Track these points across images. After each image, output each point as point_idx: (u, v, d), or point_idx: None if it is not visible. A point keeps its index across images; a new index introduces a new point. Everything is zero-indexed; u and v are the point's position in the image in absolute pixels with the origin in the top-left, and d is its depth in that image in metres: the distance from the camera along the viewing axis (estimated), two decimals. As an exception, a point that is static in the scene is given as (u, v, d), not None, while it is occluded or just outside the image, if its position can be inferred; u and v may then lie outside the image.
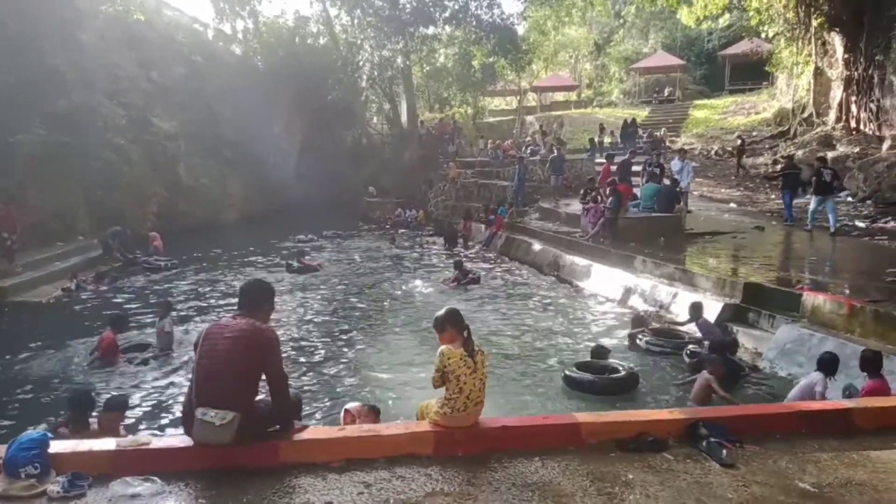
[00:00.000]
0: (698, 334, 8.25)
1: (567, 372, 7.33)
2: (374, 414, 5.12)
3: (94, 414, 5.42)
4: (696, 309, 8.37)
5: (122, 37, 21.01)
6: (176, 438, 3.92)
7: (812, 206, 13.80)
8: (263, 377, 3.67)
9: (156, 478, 3.42)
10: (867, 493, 3.38)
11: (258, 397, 3.74)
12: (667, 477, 3.53)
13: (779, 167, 17.83)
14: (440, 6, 30.65)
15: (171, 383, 7.68)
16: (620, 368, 7.36)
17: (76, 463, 3.38)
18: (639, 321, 9.30)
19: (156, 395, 7.38)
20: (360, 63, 30.95)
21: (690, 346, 8.05)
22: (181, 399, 6.88)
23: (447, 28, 32.87)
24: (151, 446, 3.64)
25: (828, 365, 5.82)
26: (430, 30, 32.09)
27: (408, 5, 30.14)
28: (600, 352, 7.99)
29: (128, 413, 5.94)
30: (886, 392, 5.47)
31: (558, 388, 7.34)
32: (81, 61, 17.89)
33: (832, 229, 13.34)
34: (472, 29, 31.29)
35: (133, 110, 20.54)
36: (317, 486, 3.37)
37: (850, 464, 3.74)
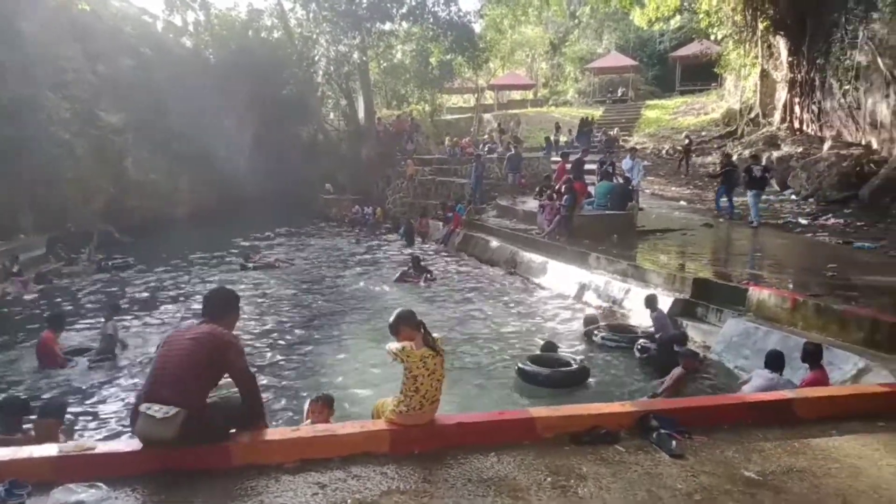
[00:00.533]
0: (651, 329, 8.44)
1: (521, 365, 7.43)
2: (326, 404, 5.09)
3: (29, 420, 5.18)
4: (650, 301, 8.57)
5: (66, 27, 20.23)
6: (122, 442, 3.81)
7: (750, 201, 14.58)
8: (226, 380, 3.64)
9: (101, 484, 3.30)
10: (807, 479, 3.52)
11: (211, 398, 3.67)
12: (619, 469, 3.60)
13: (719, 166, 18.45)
14: (397, 2, 30.48)
15: (113, 387, 7.37)
16: (572, 362, 7.50)
17: (15, 470, 3.25)
18: (591, 319, 9.47)
19: (96, 399, 7.08)
20: (316, 58, 30.53)
21: (641, 341, 8.24)
22: (124, 403, 6.70)
23: (404, 24, 32.73)
24: (96, 451, 3.52)
25: (774, 361, 6.03)
26: (387, 26, 31.90)
27: (364, 1, 29.90)
28: (549, 347, 8.13)
29: (67, 418, 5.70)
30: (826, 382, 5.71)
31: (513, 382, 7.41)
32: (23, 52, 17.15)
33: (754, 223, 14.22)
34: (429, 26, 31.24)
35: (78, 103, 19.83)
36: (270, 488, 3.32)
37: (791, 452, 3.89)
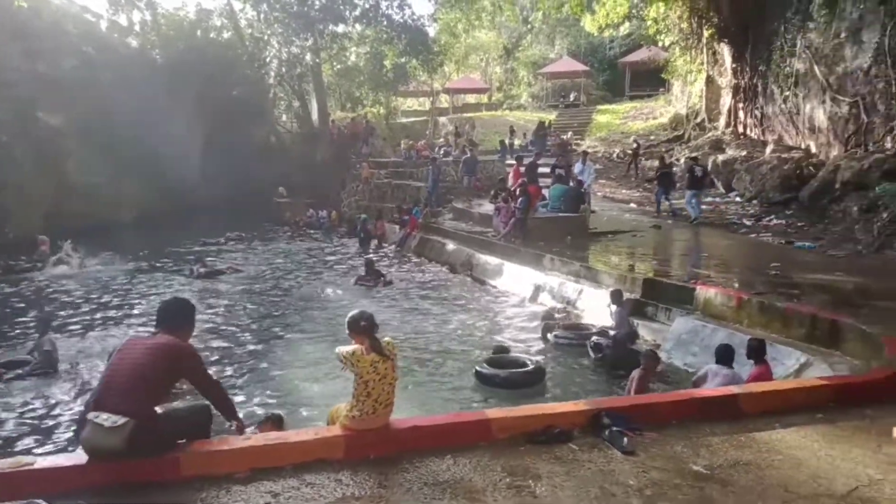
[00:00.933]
0: (605, 327, 8.59)
1: (478, 368, 7.46)
2: (275, 424, 4.99)
3: None
4: (616, 295, 8.72)
5: (4, 25, 19.36)
6: (64, 457, 3.67)
7: (687, 199, 15.60)
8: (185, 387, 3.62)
9: (41, 501, 3.18)
10: (752, 471, 3.65)
11: (161, 409, 3.58)
12: (572, 467, 3.65)
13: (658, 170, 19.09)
14: (350, 4, 30.32)
15: (50, 403, 6.96)
16: (528, 363, 7.57)
17: (-55, 490, 3.09)
18: (548, 316, 9.60)
19: (35, 414, 6.71)
20: (268, 59, 30.09)
21: (594, 338, 8.37)
22: (65, 418, 6.43)
23: (358, 27, 32.57)
24: (36, 466, 3.38)
25: (725, 355, 6.22)
26: (340, 28, 31.70)
27: (317, 2, 29.60)
28: (501, 350, 8.22)
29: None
30: (770, 377, 5.92)
31: (472, 384, 7.43)
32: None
33: (694, 220, 15.25)
34: (383, 28, 31.16)
35: (18, 104, 19.00)
36: (220, 499, 3.24)
37: (737, 445, 4.02)
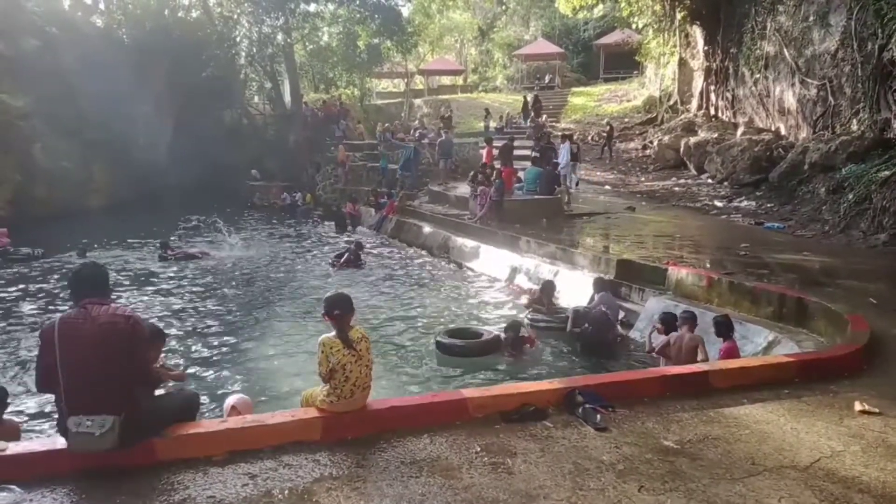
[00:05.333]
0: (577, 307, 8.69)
1: (438, 339, 7.77)
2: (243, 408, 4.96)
3: None
4: (600, 282, 8.80)
5: (-42, 2, 18.68)
6: (38, 442, 3.62)
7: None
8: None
9: (14, 486, 3.15)
10: (721, 445, 3.76)
11: (147, 398, 3.52)
12: (547, 444, 3.73)
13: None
14: (322, -18, 29.85)
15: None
16: (484, 333, 7.87)
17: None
18: (536, 299, 9.49)
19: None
20: (238, 39, 29.48)
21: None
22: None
23: (330, 6, 32.09)
24: (8, 452, 3.33)
25: (670, 323, 6.55)
26: (312, 7, 31.19)
27: (288, -20, 29.03)
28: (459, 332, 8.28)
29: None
30: (738, 353, 6.07)
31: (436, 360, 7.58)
32: None
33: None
34: (355, 8, 30.73)
35: (-24, 85, 18.41)
36: (198, 482, 3.24)
37: (707, 421, 4.13)
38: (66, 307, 8.01)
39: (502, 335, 7.76)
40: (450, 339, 7.70)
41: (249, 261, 14.63)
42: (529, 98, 29.54)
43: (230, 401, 4.80)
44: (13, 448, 3.41)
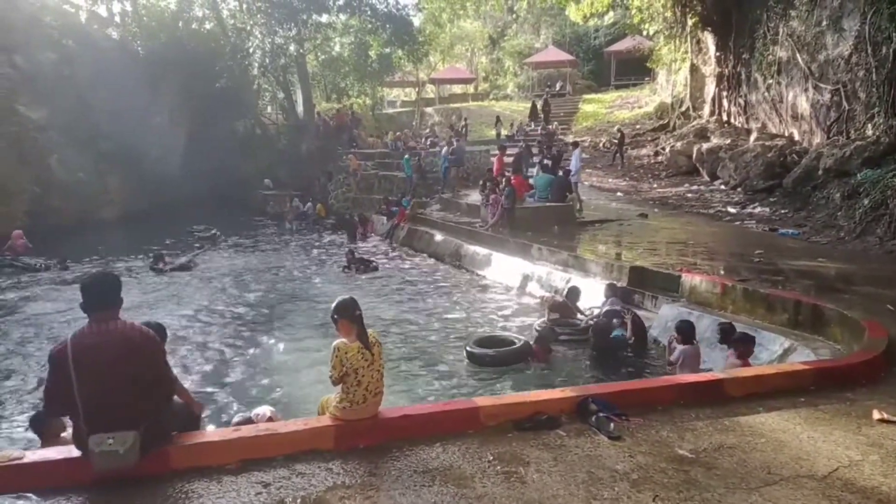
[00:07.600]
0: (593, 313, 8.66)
1: (468, 348, 7.72)
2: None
3: None
4: (611, 288, 8.80)
5: (-22, 17, 19.02)
6: (54, 450, 3.65)
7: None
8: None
9: (31, 494, 3.18)
10: (736, 455, 3.71)
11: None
12: (560, 453, 3.70)
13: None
14: (333, -7, 30.07)
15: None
16: (515, 341, 7.80)
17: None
18: (557, 307, 9.18)
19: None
20: (251, 50, 29.75)
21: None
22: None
23: (341, 16, 32.32)
24: (25, 461, 3.37)
25: (688, 333, 6.49)
26: (324, 17, 31.43)
27: (299, -10, 29.30)
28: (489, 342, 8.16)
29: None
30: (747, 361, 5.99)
31: (462, 370, 7.52)
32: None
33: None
34: (367, 18, 30.94)
35: (-4, 97, 18.69)
36: (211, 490, 3.26)
37: (722, 429, 4.08)
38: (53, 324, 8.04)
39: (531, 342, 7.72)
40: (480, 349, 7.62)
41: (250, 270, 14.63)
42: (539, 103, 29.53)
43: (259, 411, 4.85)
44: (30, 456, 3.44)
